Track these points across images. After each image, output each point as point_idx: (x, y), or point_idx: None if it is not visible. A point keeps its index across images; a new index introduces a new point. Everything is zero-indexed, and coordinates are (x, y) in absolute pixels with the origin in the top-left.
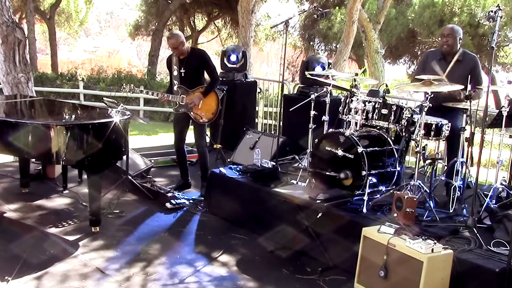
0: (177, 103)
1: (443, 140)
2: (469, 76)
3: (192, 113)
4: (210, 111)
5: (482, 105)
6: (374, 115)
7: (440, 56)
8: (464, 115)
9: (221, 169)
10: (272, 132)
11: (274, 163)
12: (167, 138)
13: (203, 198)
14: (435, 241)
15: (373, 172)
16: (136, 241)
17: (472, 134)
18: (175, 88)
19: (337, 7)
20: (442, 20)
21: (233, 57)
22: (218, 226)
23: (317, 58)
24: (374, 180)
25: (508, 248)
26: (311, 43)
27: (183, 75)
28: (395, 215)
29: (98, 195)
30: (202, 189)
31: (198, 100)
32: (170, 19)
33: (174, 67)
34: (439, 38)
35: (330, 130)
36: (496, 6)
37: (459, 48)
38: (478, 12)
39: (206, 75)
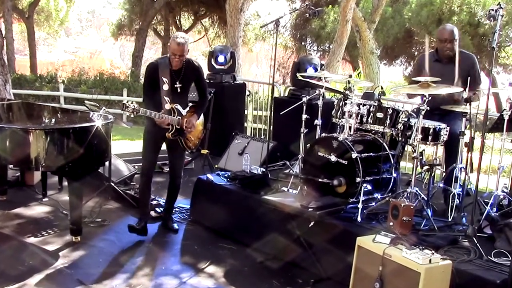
0: (173, 126)
1: (441, 145)
2: (468, 77)
3: (185, 139)
4: (197, 135)
5: (482, 108)
6: (369, 118)
7: (436, 58)
8: (464, 119)
9: (208, 175)
10: (262, 137)
11: (264, 169)
12: None
13: (189, 206)
14: (433, 251)
15: (367, 178)
16: (119, 251)
17: (472, 138)
18: (166, 107)
19: (330, 6)
20: (440, 19)
21: (221, 58)
22: (205, 235)
23: (309, 59)
24: (369, 187)
25: (510, 258)
26: (303, 43)
27: (179, 90)
28: (391, 224)
29: (79, 203)
30: (169, 223)
31: (195, 122)
32: (155, 18)
33: (163, 80)
34: (438, 41)
35: (323, 134)
36: (497, 5)
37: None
38: (478, 10)
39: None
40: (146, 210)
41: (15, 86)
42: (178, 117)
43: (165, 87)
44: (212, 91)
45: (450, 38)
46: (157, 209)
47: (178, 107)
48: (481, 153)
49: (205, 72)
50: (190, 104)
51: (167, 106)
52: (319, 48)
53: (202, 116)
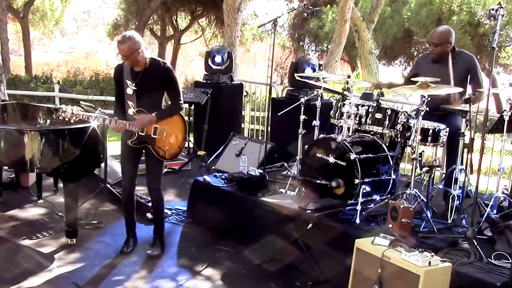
0: (135, 133)
1: (441, 146)
2: (466, 77)
3: (154, 147)
4: (176, 143)
5: (482, 109)
6: (368, 119)
7: (432, 59)
8: (464, 119)
9: (205, 177)
10: (260, 138)
11: (261, 171)
12: None
13: (186, 208)
14: (433, 254)
15: (366, 180)
16: (114, 254)
17: (472, 139)
18: (130, 112)
19: (328, 5)
20: (440, 19)
21: (218, 58)
22: (202, 237)
23: (307, 59)
24: (368, 188)
25: (510, 261)
26: (301, 43)
27: (135, 93)
28: (390, 226)
29: (74, 204)
30: (154, 248)
31: (149, 121)
32: (151, 18)
33: (127, 82)
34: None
35: (321, 135)
36: (498, 4)
37: (454, 49)
38: (478, 10)
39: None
40: (133, 226)
41: (9, 87)
42: None
43: (129, 90)
44: (209, 92)
45: (435, 42)
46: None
47: (142, 112)
48: (481, 154)
49: (202, 72)
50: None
51: (131, 111)
52: (317, 48)
53: (182, 123)
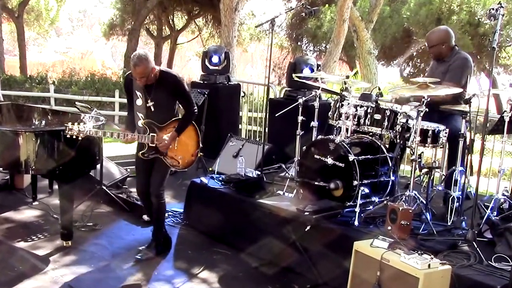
0: (146, 144)
1: (441, 148)
2: (468, 77)
3: (166, 157)
4: (189, 152)
5: (482, 110)
6: (366, 120)
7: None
8: (463, 120)
9: (202, 178)
10: (257, 139)
11: (259, 172)
12: None
13: (183, 210)
14: (432, 256)
15: (365, 182)
16: (110, 257)
17: (472, 141)
18: (139, 123)
19: (326, 5)
20: (439, 18)
21: (215, 59)
22: (199, 240)
23: (305, 60)
24: (367, 190)
25: (511, 263)
26: (299, 43)
27: (152, 108)
28: (389, 228)
29: (70, 206)
30: (146, 250)
31: (171, 140)
32: (148, 17)
33: (137, 94)
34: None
35: (319, 137)
36: (498, 4)
37: (453, 48)
38: (478, 10)
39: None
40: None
41: (4, 87)
42: (152, 134)
43: (139, 102)
44: (206, 92)
45: (428, 44)
46: None
47: (151, 123)
48: (481, 155)
49: (199, 72)
50: (174, 119)
51: (140, 122)
52: (315, 48)
53: (194, 131)
